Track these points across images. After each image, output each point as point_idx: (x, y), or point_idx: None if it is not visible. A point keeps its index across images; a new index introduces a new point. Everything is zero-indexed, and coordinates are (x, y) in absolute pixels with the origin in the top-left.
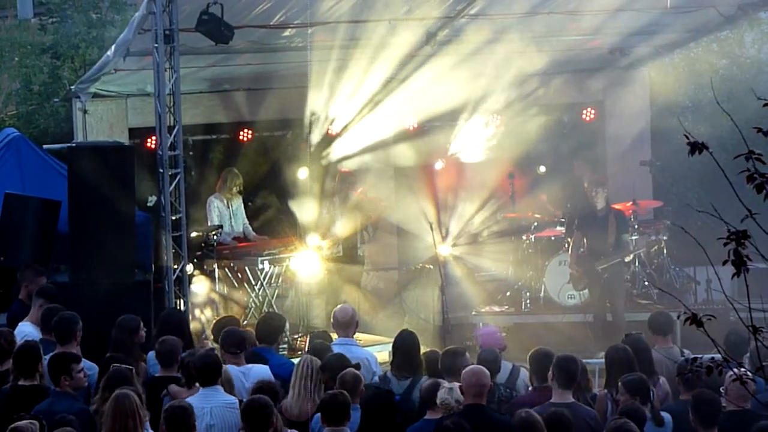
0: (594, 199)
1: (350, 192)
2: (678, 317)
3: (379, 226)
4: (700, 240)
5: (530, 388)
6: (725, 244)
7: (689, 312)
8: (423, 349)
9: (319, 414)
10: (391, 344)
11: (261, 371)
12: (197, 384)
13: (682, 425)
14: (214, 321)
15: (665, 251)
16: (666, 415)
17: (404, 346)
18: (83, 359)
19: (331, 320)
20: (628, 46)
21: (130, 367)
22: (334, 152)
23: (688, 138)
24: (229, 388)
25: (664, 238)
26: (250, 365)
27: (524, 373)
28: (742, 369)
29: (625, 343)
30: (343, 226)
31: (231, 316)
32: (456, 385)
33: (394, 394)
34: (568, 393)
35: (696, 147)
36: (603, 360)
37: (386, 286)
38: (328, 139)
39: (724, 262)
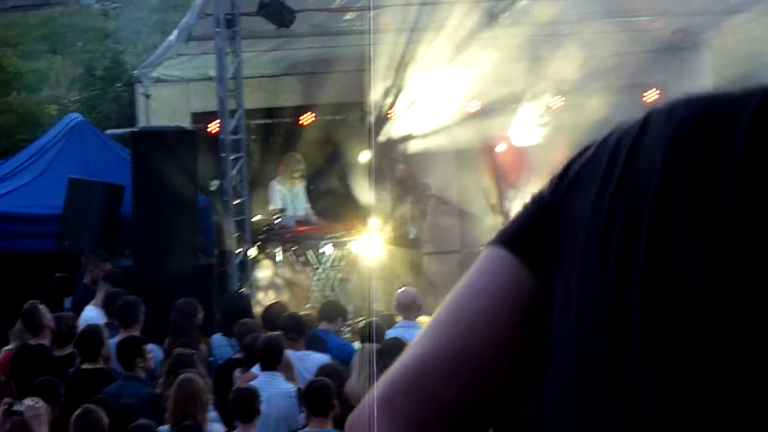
0: None
1: (402, 176)
2: None
3: (434, 212)
4: None
5: None
6: None
7: None
8: None
9: None
10: None
11: (319, 359)
12: (257, 366)
13: None
14: (264, 308)
15: None
16: None
17: None
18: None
19: (394, 303)
20: (691, 27)
21: (193, 351)
22: (395, 135)
23: None
24: (289, 373)
25: None
26: (308, 352)
27: None
28: None
29: None
30: (395, 210)
31: (280, 302)
32: None
33: None
34: None
35: None
36: None
37: (448, 269)
38: (388, 123)
39: None
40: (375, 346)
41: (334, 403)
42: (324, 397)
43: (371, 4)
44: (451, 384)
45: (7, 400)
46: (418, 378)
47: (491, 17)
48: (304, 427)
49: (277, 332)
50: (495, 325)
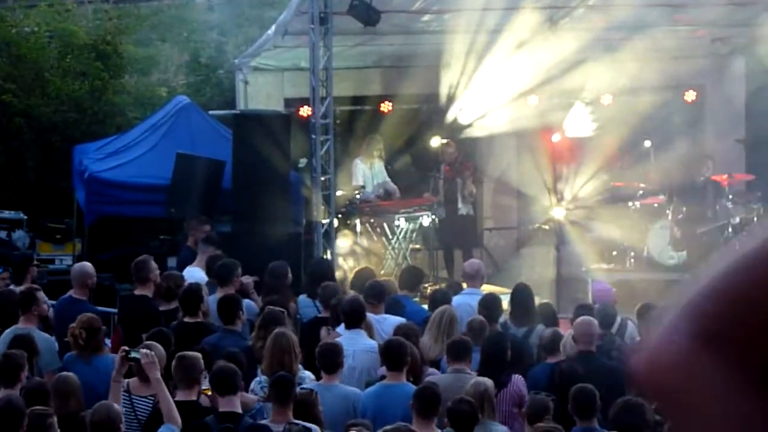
0: (699, 170)
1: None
2: None
3: (471, 190)
4: None
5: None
6: None
7: None
8: (537, 301)
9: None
10: (509, 294)
11: (395, 321)
12: (342, 326)
13: None
14: (354, 271)
15: (756, 218)
16: None
17: (520, 297)
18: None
19: (462, 272)
20: (729, 37)
21: (283, 309)
22: (464, 123)
23: None
24: (369, 332)
25: (758, 207)
26: (386, 315)
27: (631, 326)
28: None
29: None
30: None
31: (368, 267)
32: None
33: (509, 338)
34: None
35: None
36: None
37: (506, 243)
38: (458, 112)
39: None
40: (449, 308)
41: (408, 359)
42: (400, 353)
43: (446, 8)
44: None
45: (124, 347)
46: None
47: (552, 22)
48: (382, 378)
49: (358, 294)
50: None
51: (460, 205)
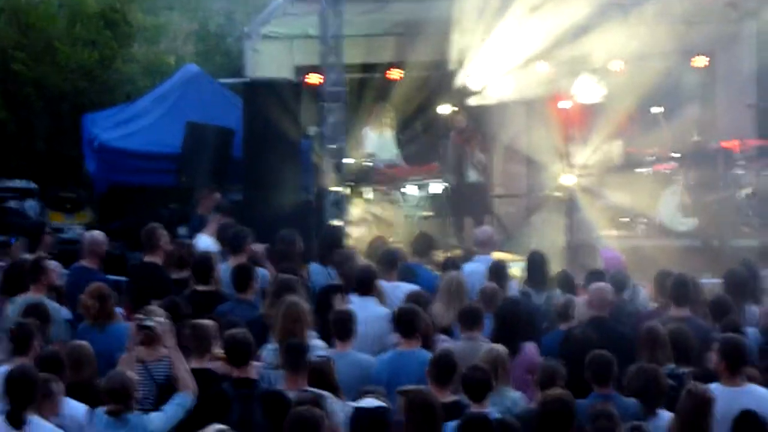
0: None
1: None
2: None
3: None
4: None
5: (655, 306)
6: None
7: None
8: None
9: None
10: (522, 261)
11: (408, 288)
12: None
13: None
14: (368, 242)
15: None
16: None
17: (538, 263)
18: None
19: (473, 239)
20: (739, 1)
21: (295, 276)
22: (474, 90)
23: None
24: (381, 299)
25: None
26: (399, 283)
27: (643, 292)
28: None
29: (742, 265)
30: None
31: (381, 237)
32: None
33: (522, 304)
34: (684, 308)
35: None
36: (711, 280)
37: (516, 211)
38: (467, 79)
39: None
40: (457, 274)
41: (422, 326)
42: (412, 321)
43: None
44: None
45: (139, 315)
46: None
47: None
48: (396, 345)
49: (370, 262)
50: None
51: (469, 172)
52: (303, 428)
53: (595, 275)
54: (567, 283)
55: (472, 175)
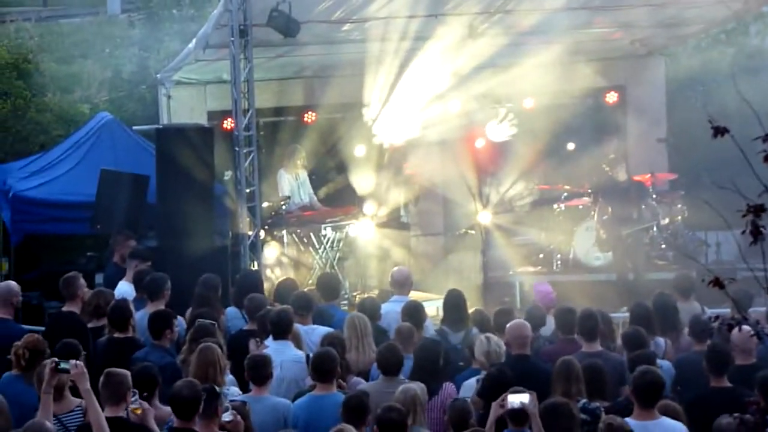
0: (616, 172)
1: (400, 166)
2: (702, 280)
3: (421, 198)
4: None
5: (558, 338)
6: (743, 216)
7: (711, 275)
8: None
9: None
10: (438, 300)
11: (324, 332)
12: (270, 337)
13: (692, 372)
14: (276, 282)
15: (680, 217)
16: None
17: (454, 303)
18: None
19: (390, 280)
20: (647, 38)
21: (213, 321)
22: (387, 131)
23: (711, 123)
24: (297, 343)
25: (682, 206)
26: (315, 326)
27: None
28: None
29: (655, 299)
30: (392, 197)
31: (290, 278)
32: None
33: (442, 344)
34: (594, 344)
35: (719, 131)
36: (626, 314)
37: (433, 250)
38: (381, 120)
39: (742, 232)
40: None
41: (338, 370)
42: (327, 365)
43: (366, 17)
44: None
45: (54, 359)
46: None
47: (473, 29)
48: (312, 388)
49: (287, 306)
50: None
51: (402, 213)
52: None
53: (502, 314)
54: (483, 322)
55: (404, 216)
